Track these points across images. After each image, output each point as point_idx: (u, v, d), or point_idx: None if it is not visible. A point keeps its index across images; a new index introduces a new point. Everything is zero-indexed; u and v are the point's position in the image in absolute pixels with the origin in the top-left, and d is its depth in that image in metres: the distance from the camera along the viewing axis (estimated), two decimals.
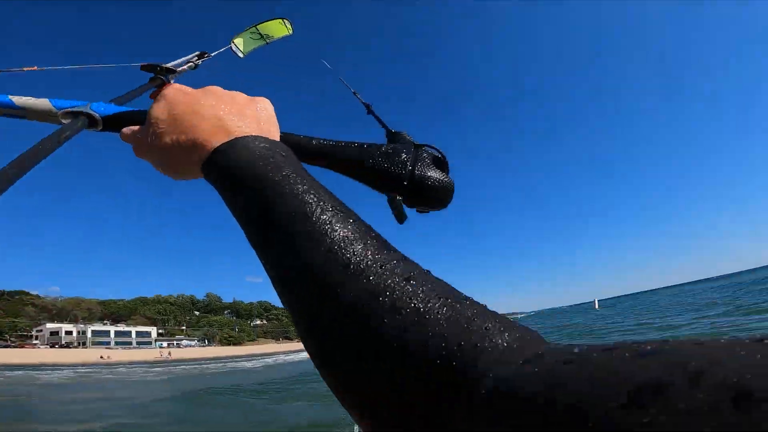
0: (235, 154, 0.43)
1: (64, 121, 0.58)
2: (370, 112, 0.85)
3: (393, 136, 0.72)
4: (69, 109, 0.58)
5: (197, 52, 0.96)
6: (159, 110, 0.51)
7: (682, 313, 22.31)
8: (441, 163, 0.65)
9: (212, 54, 1.02)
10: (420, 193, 0.61)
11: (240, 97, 0.54)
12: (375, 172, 0.62)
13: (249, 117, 0.51)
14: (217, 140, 0.46)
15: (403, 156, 0.62)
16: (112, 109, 0.60)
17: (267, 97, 0.57)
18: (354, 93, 0.90)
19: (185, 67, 0.84)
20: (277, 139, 0.53)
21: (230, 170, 0.43)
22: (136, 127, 0.55)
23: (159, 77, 0.68)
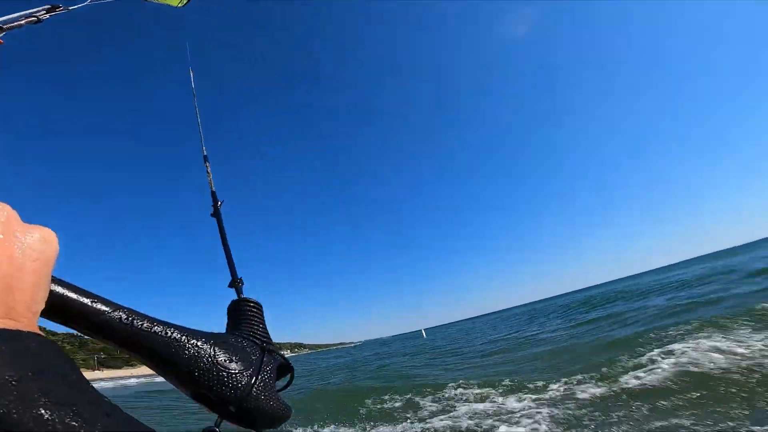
0: None
1: None
2: (215, 214, 0.78)
3: (239, 314, 0.62)
4: None
5: (47, 5, 0.77)
6: None
7: (472, 338, 23.61)
8: (285, 371, 0.58)
9: (70, 8, 0.82)
10: (245, 421, 0.50)
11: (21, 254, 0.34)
12: (202, 388, 0.48)
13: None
14: None
15: (241, 372, 0.50)
16: None
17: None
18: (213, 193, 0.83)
19: (22, 22, 0.70)
20: (37, 311, 0.35)
21: None
22: None
23: None
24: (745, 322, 7.12)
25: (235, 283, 0.71)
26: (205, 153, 0.90)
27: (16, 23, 0.66)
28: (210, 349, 0.49)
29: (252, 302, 0.65)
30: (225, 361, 0.50)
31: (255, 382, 0.50)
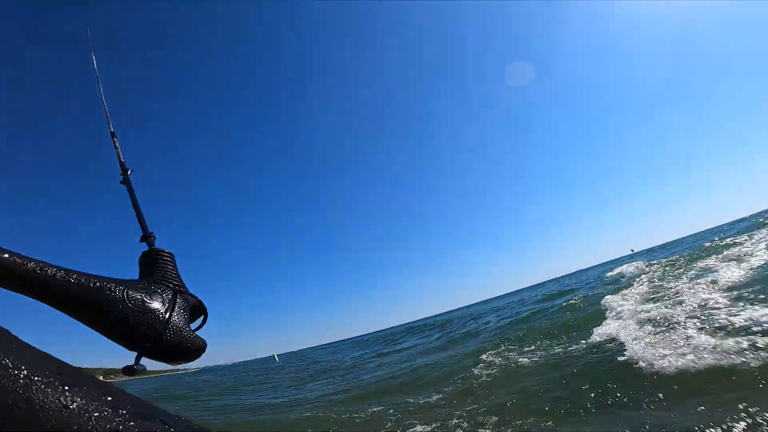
0: None
1: None
2: (125, 182, 0.85)
3: (150, 262, 0.66)
4: None
5: None
6: None
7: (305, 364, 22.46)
8: (198, 312, 0.61)
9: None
10: (164, 355, 0.52)
11: None
12: (118, 327, 0.51)
13: None
14: None
15: (157, 310, 0.53)
16: None
17: None
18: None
19: None
20: None
21: None
22: None
23: None
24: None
25: (147, 238, 0.74)
26: (112, 129, 0.97)
27: None
28: (124, 290, 0.52)
29: (164, 251, 0.67)
30: (140, 300, 0.52)
31: (169, 317, 0.53)
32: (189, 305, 0.59)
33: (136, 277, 0.64)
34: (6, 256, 0.44)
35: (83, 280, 0.49)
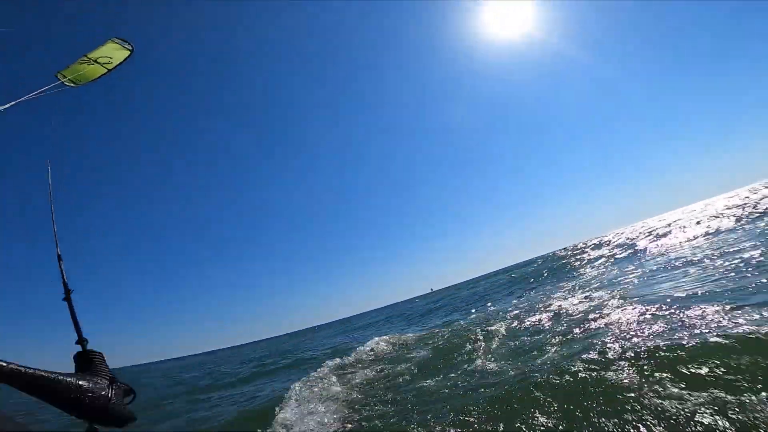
0: None
1: None
2: (67, 299, 1.00)
3: (86, 360, 0.87)
4: None
5: None
6: None
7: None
8: (130, 392, 0.86)
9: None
10: (110, 423, 0.77)
11: None
12: (73, 405, 0.73)
13: None
14: None
15: (101, 394, 0.77)
16: None
17: None
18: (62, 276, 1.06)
19: None
20: None
21: None
22: None
23: None
24: None
25: (82, 341, 0.96)
26: (59, 252, 1.10)
27: None
28: (76, 382, 0.74)
29: (95, 352, 0.91)
30: (90, 388, 0.76)
31: (111, 397, 0.78)
32: (122, 387, 0.83)
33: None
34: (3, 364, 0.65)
35: (43, 372, 0.69)
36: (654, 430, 2.72)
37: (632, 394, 3.17)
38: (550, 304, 8.46)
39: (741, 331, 3.56)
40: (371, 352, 9.07)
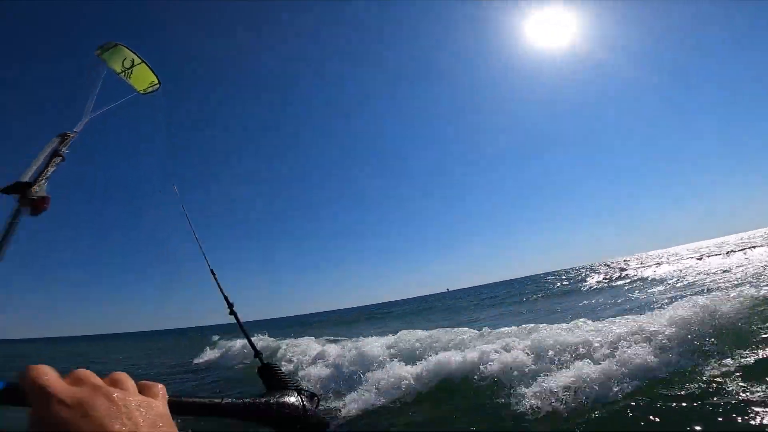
0: None
1: None
2: (232, 313, 0.99)
3: (270, 375, 0.87)
4: None
5: (56, 138, 0.88)
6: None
7: None
8: (314, 397, 0.85)
9: (77, 130, 0.94)
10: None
11: (152, 413, 0.50)
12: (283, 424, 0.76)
13: None
14: None
15: (296, 405, 0.78)
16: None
17: None
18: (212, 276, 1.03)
19: (52, 169, 0.84)
20: None
21: None
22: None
23: (29, 198, 0.72)
24: None
25: (258, 355, 0.97)
26: (211, 267, 1.08)
27: (46, 172, 0.85)
28: (279, 400, 0.76)
29: (274, 365, 0.93)
30: (291, 403, 0.78)
31: (308, 408, 0.79)
32: (308, 395, 0.84)
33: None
34: (217, 400, 0.67)
35: (254, 400, 0.73)
36: None
37: None
38: None
39: None
40: None
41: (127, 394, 0.51)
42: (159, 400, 0.54)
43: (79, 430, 0.44)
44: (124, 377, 0.53)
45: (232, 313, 1.02)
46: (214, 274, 1.08)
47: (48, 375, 0.50)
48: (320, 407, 0.87)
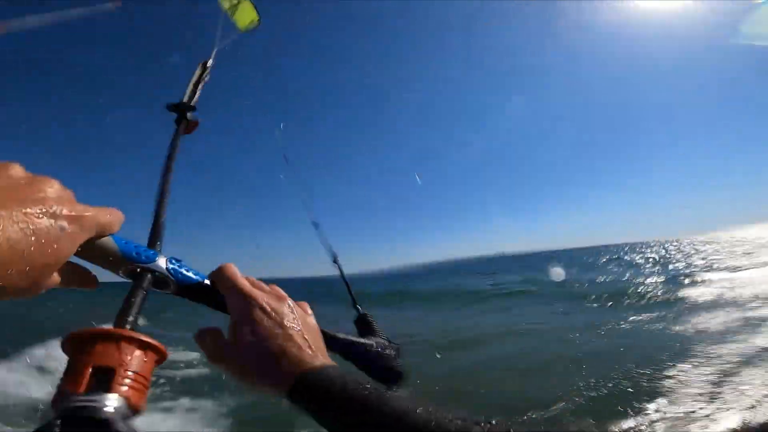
0: (328, 380, 0.45)
1: (124, 276, 0.49)
2: (336, 262, 1.00)
3: (366, 323, 0.85)
4: (135, 264, 0.49)
5: (199, 68, 0.99)
6: (245, 331, 0.48)
7: None
8: (400, 351, 0.83)
9: (211, 61, 1.02)
10: (395, 382, 0.76)
11: (310, 320, 0.55)
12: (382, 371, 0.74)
13: (316, 340, 0.53)
14: (304, 366, 0.46)
15: (393, 360, 0.78)
16: (186, 278, 0.54)
17: None
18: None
19: (198, 92, 0.93)
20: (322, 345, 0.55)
21: (329, 395, 0.44)
22: (217, 338, 0.51)
23: (186, 119, 0.81)
24: None
25: (356, 305, 0.95)
26: (314, 220, 1.06)
27: (196, 98, 0.88)
28: (376, 343, 0.77)
29: (368, 315, 0.91)
30: (388, 357, 0.78)
31: (394, 356, 0.79)
32: (395, 347, 0.84)
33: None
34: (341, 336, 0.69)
35: (353, 338, 0.74)
36: None
37: None
38: None
39: None
40: None
41: (297, 308, 0.55)
42: (312, 318, 0.57)
43: (275, 338, 0.48)
44: (281, 291, 0.56)
45: (336, 262, 1.04)
46: (317, 226, 1.08)
47: (241, 278, 0.53)
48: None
